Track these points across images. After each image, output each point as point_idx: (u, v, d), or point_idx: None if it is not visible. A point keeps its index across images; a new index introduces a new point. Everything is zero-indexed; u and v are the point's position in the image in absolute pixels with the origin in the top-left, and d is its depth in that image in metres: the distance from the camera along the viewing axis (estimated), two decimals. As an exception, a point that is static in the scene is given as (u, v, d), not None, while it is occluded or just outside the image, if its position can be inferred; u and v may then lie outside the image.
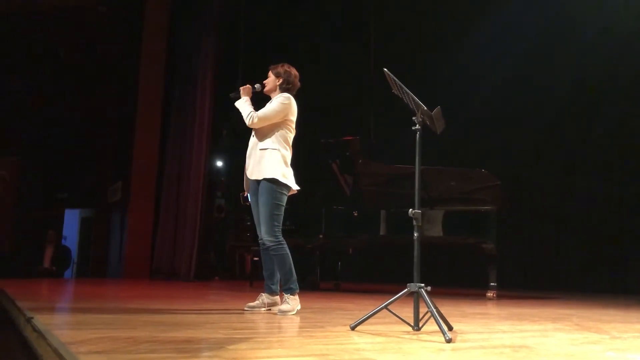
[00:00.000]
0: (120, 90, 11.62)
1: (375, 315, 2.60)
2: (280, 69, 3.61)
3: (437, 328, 2.34)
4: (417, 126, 2.63)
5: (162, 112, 10.08)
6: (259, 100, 3.63)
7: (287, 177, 3.45)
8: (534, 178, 7.72)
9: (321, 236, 6.17)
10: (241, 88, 3.63)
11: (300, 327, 2.81)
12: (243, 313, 3.38)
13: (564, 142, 7.57)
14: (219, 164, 10.96)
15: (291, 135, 3.56)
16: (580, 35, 7.19)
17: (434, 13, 8.74)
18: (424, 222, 5.62)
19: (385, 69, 2.64)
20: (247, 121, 3.49)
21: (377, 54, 8.99)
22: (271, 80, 3.62)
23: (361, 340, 2.27)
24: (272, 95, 3.63)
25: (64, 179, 11.32)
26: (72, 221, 12.58)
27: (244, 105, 3.56)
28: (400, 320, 2.60)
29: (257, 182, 3.47)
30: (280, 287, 3.57)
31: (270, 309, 3.51)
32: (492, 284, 5.58)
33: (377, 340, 2.29)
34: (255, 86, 3.64)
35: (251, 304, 3.53)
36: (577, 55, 7.22)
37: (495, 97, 7.83)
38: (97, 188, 11.74)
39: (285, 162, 3.47)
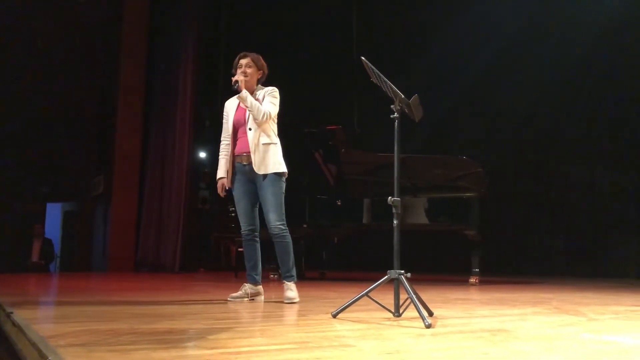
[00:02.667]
0: (101, 82, 11.47)
1: (357, 303, 2.62)
2: (261, 62, 3.53)
3: (417, 314, 2.36)
4: (396, 114, 2.64)
5: (144, 104, 9.97)
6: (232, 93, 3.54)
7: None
8: (515, 165, 7.80)
9: (305, 225, 6.18)
10: (239, 81, 3.40)
11: (283, 316, 2.83)
12: (226, 303, 3.39)
13: (544, 129, 7.65)
14: (203, 155, 10.88)
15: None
16: (562, 23, 7.25)
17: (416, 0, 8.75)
18: (409, 210, 5.70)
19: (363, 58, 2.64)
20: (261, 118, 3.37)
21: (360, 41, 8.97)
22: (253, 72, 3.48)
23: (342, 328, 2.29)
24: (252, 89, 3.48)
25: (45, 172, 11.16)
26: (54, 215, 12.43)
27: (253, 101, 3.39)
28: (381, 307, 2.63)
29: (263, 175, 3.45)
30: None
31: (253, 299, 3.52)
32: (475, 269, 5.66)
33: (357, 327, 2.32)
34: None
35: (234, 294, 3.54)
36: (559, 43, 7.28)
37: (477, 85, 7.88)
38: (79, 181, 11.61)
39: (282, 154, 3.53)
